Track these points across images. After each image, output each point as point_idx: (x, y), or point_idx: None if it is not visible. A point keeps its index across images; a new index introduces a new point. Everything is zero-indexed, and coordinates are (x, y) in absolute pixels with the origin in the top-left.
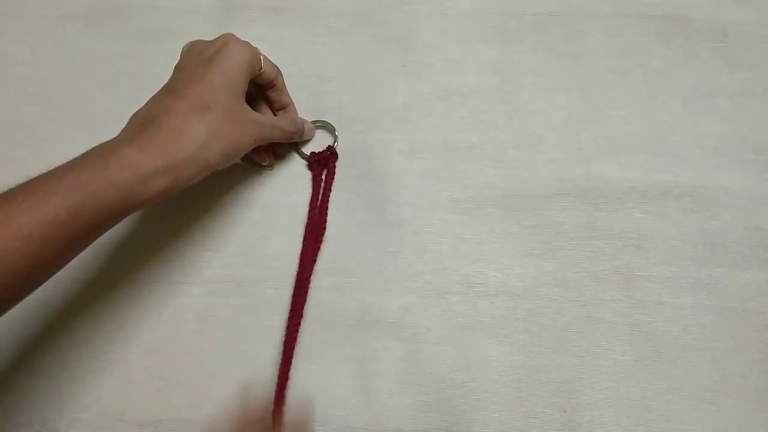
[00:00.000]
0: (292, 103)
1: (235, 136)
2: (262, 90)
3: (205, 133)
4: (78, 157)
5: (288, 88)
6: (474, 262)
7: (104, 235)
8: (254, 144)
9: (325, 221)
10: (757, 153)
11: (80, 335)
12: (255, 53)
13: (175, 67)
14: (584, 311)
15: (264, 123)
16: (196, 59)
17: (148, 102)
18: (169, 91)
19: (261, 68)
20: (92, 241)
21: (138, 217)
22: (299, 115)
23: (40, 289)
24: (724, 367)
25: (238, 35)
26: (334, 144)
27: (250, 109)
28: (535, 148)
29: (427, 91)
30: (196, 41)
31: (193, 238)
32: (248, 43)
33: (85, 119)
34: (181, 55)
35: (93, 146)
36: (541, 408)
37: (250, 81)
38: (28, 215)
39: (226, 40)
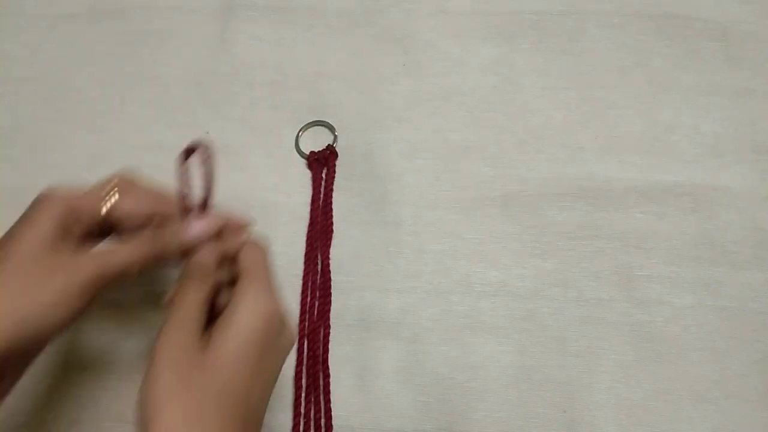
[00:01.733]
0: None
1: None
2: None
3: None
4: None
5: (288, 87)
6: (474, 262)
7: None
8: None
9: (332, 222)
10: (757, 153)
11: (80, 335)
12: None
13: None
14: (584, 311)
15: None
16: None
17: None
18: None
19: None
20: None
21: None
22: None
23: None
24: (724, 367)
25: (238, 35)
26: (333, 143)
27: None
28: (535, 147)
29: (427, 90)
30: None
31: None
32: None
33: (84, 119)
34: None
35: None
36: (541, 408)
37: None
38: None
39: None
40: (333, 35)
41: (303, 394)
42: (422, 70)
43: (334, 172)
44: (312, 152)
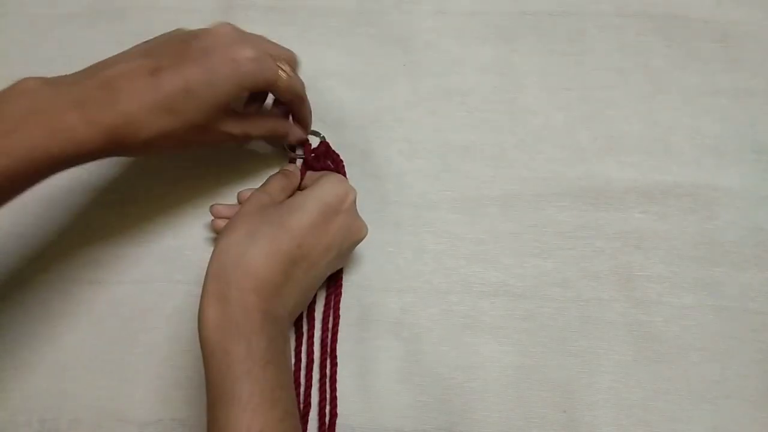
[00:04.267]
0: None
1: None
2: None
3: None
4: None
5: None
6: (474, 262)
7: (106, 234)
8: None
9: None
10: (757, 153)
11: (80, 335)
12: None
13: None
14: (584, 311)
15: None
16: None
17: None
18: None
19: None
20: None
21: (137, 216)
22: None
23: (40, 289)
24: (724, 367)
25: None
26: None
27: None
28: (535, 148)
29: (427, 90)
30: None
31: (192, 237)
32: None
33: None
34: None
35: None
36: (541, 408)
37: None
38: None
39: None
40: (333, 35)
41: (303, 372)
42: (422, 70)
43: (341, 160)
44: (308, 146)
